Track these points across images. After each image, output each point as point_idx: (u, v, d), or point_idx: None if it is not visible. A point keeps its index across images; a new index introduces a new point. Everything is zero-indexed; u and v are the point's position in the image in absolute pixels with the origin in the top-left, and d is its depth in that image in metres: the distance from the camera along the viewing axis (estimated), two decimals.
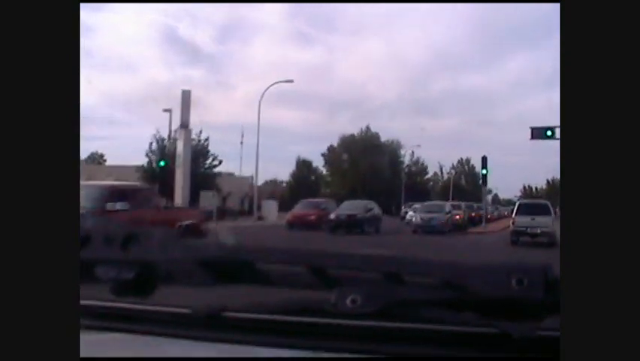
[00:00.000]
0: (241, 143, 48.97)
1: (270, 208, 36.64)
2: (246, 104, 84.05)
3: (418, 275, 0.95)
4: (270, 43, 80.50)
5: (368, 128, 63.09)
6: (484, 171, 30.33)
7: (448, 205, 29.50)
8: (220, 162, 39.78)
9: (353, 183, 57.23)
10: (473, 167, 76.10)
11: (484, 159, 30.14)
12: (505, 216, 55.39)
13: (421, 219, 26.10)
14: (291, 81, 37.61)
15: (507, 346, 0.82)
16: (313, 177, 62.60)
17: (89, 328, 1.00)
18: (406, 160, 64.86)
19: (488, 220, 39.08)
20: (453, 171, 75.42)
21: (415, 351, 0.86)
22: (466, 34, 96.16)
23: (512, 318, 0.82)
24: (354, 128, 66.25)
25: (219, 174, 40.33)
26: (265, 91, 34.70)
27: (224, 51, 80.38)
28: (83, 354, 0.87)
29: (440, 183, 70.83)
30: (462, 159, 79.47)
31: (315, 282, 0.98)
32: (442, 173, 73.42)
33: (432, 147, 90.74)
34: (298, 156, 63.27)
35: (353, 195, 50.05)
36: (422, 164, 68.13)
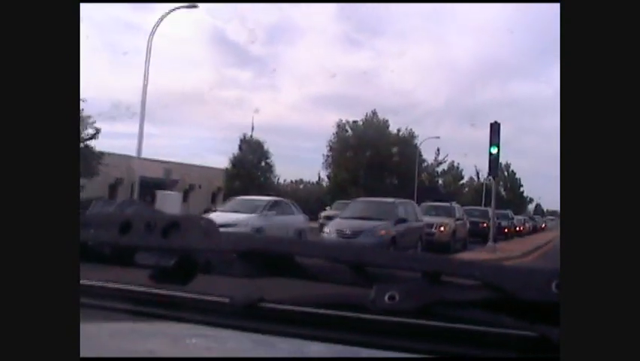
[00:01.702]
0: (251, 136, 39.87)
1: (167, 203, 25.29)
2: (293, 106, 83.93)
3: (456, 275, 0.95)
4: (317, 46, 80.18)
5: (374, 113, 51.36)
6: (493, 150, 17.56)
7: (405, 207, 15.94)
8: (97, 131, 27.13)
9: (346, 178, 47.37)
10: (514, 173, 70.48)
11: (495, 128, 17.62)
12: (541, 230, 46.36)
13: (338, 231, 13.86)
14: (195, 6, 21.62)
15: (545, 350, 0.81)
16: (264, 164, 42.80)
17: (128, 313, 1.02)
18: (428, 157, 54.30)
19: (513, 234, 29.45)
20: (490, 177, 71.35)
21: (451, 350, 0.86)
22: (515, 41, 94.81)
23: (551, 322, 0.81)
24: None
25: (99, 152, 27.49)
26: (160, 21, 22.03)
27: (272, 53, 79.87)
28: (117, 341, 0.90)
29: (473, 188, 62.09)
30: (501, 163, 73.94)
31: (354, 278, 0.99)
32: (478, 178, 63.82)
33: (475, 154, 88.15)
34: (243, 134, 43.16)
35: (341, 192, 40.71)
36: (457, 168, 61.29)
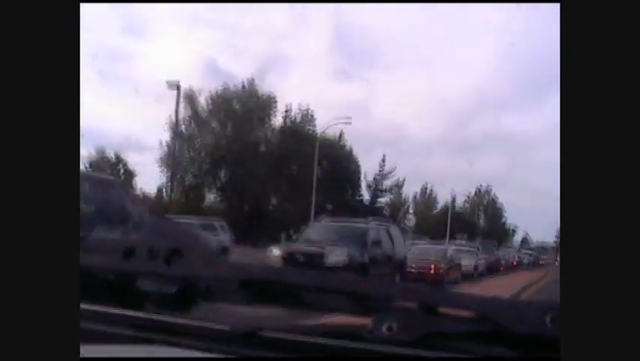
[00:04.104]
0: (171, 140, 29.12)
1: None
2: None
3: (453, 307, 0.98)
4: (309, 78, 79.66)
5: (252, 81, 35.21)
6: None
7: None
8: None
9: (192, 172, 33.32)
10: (494, 200, 60.90)
11: None
12: (512, 269, 29.14)
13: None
14: None
15: None
16: None
17: (132, 339, 1.01)
18: (362, 163, 39.40)
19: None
20: (467, 205, 57.87)
21: None
22: (507, 74, 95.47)
23: (545, 356, 0.84)
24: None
25: None
26: None
27: (265, 85, 77.79)
28: None
29: (443, 215, 49.18)
30: (480, 187, 59.84)
31: (353, 308, 1.01)
32: (453, 204, 51.31)
33: (463, 186, 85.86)
34: None
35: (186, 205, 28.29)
36: (430, 194, 52.28)
